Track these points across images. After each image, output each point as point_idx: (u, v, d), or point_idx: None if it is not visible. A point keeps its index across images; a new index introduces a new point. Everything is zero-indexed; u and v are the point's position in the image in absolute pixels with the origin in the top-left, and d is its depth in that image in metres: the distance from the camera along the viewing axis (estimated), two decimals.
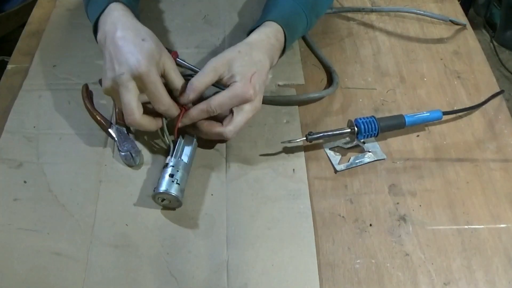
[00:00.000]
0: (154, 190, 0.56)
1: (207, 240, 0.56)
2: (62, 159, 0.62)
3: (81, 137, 0.65)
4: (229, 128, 0.58)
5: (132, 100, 0.54)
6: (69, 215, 0.57)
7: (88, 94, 0.67)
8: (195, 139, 0.61)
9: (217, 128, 0.58)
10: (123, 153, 0.61)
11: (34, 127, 0.66)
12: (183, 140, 0.61)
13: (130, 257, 0.54)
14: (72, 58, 0.73)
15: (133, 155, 0.61)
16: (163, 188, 0.55)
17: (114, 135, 0.63)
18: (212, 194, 0.59)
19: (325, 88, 0.71)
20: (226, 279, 0.53)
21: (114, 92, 0.56)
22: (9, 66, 0.75)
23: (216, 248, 0.55)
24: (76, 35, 0.78)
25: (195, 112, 0.58)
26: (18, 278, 0.53)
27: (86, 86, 0.68)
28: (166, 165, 0.58)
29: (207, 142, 0.63)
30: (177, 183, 0.56)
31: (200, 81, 0.57)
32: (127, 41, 0.55)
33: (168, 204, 0.57)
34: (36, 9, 0.85)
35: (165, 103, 0.56)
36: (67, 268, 0.54)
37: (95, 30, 0.61)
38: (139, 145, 0.63)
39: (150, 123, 0.58)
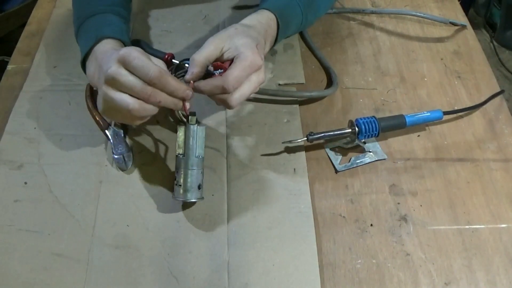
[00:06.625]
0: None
1: (207, 240, 0.56)
2: (62, 160, 0.63)
3: (81, 138, 0.65)
4: (235, 96, 0.55)
5: (128, 79, 0.51)
6: (70, 216, 0.58)
7: (91, 93, 0.67)
8: (195, 127, 0.56)
9: (223, 94, 0.55)
10: (116, 156, 0.61)
11: (35, 128, 0.66)
12: (182, 134, 0.57)
13: (131, 258, 0.54)
14: (73, 59, 0.73)
15: (126, 159, 0.61)
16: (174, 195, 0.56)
17: (110, 136, 0.63)
18: (212, 195, 0.59)
19: (325, 89, 0.71)
20: (227, 279, 0.53)
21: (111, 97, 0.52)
22: (9, 67, 0.75)
23: (216, 248, 0.55)
24: None
25: (209, 87, 0.55)
26: (19, 279, 0.53)
27: (91, 85, 0.68)
28: None
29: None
30: (178, 185, 0.56)
31: (202, 55, 0.55)
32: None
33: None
34: (36, 9, 0.85)
35: (154, 70, 0.50)
36: (68, 268, 0.54)
37: (84, 62, 0.61)
38: (138, 146, 0.63)
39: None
